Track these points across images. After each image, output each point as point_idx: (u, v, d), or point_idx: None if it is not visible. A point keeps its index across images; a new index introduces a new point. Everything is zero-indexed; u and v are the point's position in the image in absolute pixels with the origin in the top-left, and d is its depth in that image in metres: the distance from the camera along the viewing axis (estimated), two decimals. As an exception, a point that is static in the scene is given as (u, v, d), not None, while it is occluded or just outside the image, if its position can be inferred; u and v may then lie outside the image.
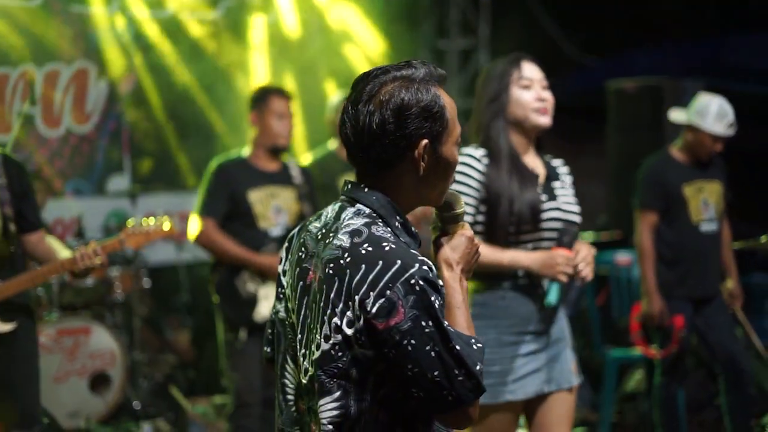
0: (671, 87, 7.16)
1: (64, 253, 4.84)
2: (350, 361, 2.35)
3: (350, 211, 2.45)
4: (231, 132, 8.18)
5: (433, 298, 2.30)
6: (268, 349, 2.69)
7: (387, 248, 2.33)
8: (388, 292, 2.28)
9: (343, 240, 2.38)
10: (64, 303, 6.75)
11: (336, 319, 2.34)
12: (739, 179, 6.68)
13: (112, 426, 6.60)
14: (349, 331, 2.33)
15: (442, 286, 2.39)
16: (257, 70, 8.33)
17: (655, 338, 5.82)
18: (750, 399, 5.76)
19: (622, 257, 6.61)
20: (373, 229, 2.38)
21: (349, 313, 2.33)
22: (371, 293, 2.29)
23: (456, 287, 2.50)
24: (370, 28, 8.65)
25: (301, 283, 2.48)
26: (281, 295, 2.60)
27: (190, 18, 8.31)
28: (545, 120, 4.09)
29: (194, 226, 5.67)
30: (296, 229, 2.63)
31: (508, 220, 3.96)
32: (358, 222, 2.41)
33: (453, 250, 2.54)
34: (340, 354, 2.35)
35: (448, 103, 2.47)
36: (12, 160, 4.81)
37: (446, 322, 2.33)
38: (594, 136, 8.16)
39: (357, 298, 2.31)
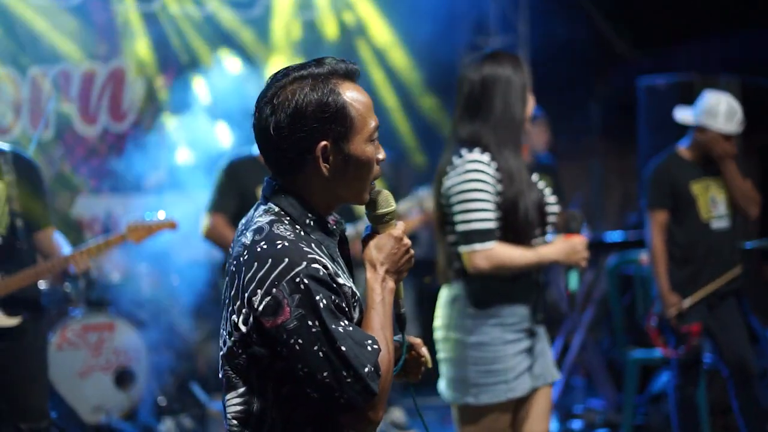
0: (704, 84, 7.00)
1: (66, 249, 4.92)
2: (249, 358, 2.35)
3: (261, 208, 2.45)
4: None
5: (318, 298, 2.27)
6: None
7: (279, 246, 2.31)
8: (274, 290, 2.27)
9: (248, 237, 2.38)
10: (92, 299, 6.84)
11: (235, 317, 2.34)
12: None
13: (133, 421, 6.67)
14: (244, 329, 2.33)
15: (341, 284, 2.36)
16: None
17: (669, 338, 5.71)
18: (758, 401, 5.64)
19: (647, 256, 6.48)
20: (275, 227, 2.37)
21: (244, 311, 2.32)
22: (258, 291, 2.28)
23: (375, 288, 2.46)
24: (405, 25, 8.61)
25: (226, 279, 2.49)
26: None
27: (227, 16, 8.35)
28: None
29: (204, 221, 5.72)
30: None
31: (528, 226, 3.98)
32: (264, 220, 2.40)
33: (378, 250, 2.50)
34: (240, 351, 2.36)
35: (355, 99, 2.41)
36: (23, 157, 4.88)
37: (339, 322, 2.29)
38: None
39: (246, 295, 2.30)
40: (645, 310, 6.44)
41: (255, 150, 5.78)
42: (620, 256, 6.84)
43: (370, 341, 2.33)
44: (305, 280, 2.27)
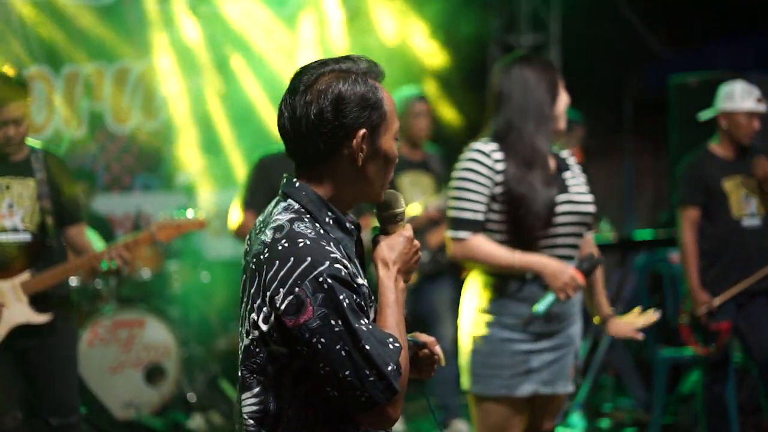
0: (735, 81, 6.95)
1: (98, 246, 4.96)
2: (267, 357, 2.36)
3: (280, 206, 2.45)
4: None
5: (341, 297, 2.28)
6: None
7: (301, 245, 2.32)
8: (297, 289, 2.28)
9: (268, 235, 2.39)
10: (122, 296, 6.89)
11: (254, 315, 2.35)
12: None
13: (163, 417, 6.71)
14: (264, 327, 2.33)
15: (360, 284, 2.37)
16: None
17: (699, 336, 5.67)
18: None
19: (677, 255, 6.46)
20: (296, 225, 2.37)
21: (265, 309, 2.33)
22: (281, 290, 2.29)
23: (390, 286, 2.47)
24: (437, 22, 8.60)
25: (243, 277, 2.49)
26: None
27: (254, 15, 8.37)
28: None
29: (235, 218, 5.76)
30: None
31: (536, 222, 3.96)
32: (284, 217, 2.40)
33: (390, 249, 2.51)
34: (257, 350, 2.37)
35: (387, 97, 2.47)
36: (52, 155, 4.93)
37: (361, 321, 2.30)
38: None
39: (268, 294, 2.31)
40: (675, 308, 6.41)
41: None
42: (650, 254, 6.81)
43: (391, 339, 2.35)
44: (328, 280, 2.28)
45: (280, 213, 2.42)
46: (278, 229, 2.38)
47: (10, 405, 4.79)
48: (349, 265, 2.36)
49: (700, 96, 7.00)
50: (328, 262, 2.30)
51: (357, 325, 2.29)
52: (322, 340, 2.27)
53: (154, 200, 7.94)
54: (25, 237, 4.73)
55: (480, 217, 3.98)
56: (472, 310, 4.05)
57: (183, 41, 8.12)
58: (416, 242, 2.56)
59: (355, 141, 2.40)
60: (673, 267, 6.52)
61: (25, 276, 4.69)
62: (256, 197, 5.69)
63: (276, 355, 2.35)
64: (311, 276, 2.28)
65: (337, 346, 2.27)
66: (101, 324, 6.64)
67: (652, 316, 4.17)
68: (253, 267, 2.38)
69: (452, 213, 4.01)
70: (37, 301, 4.73)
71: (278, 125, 2.48)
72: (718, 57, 9.16)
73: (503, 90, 4.07)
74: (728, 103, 5.62)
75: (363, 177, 2.46)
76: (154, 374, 6.76)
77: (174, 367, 6.79)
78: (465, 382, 4.09)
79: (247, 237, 2.58)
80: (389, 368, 2.30)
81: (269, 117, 8.19)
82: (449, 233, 4.01)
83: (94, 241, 5.00)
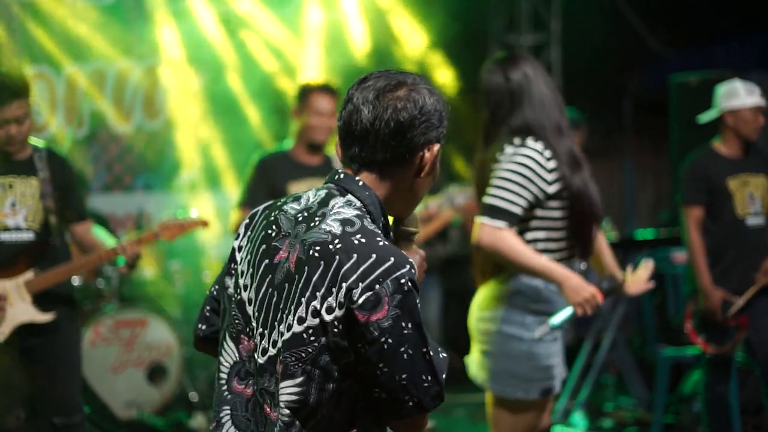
0: (735, 80, 6.97)
1: (109, 242, 4.96)
2: (321, 347, 2.32)
3: (340, 200, 2.42)
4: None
5: (417, 302, 2.31)
6: (203, 327, 2.62)
7: (381, 243, 2.33)
8: (377, 286, 2.27)
9: (333, 226, 2.35)
10: (125, 295, 6.90)
11: (315, 303, 2.31)
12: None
13: (165, 416, 6.72)
14: (327, 317, 2.30)
15: None
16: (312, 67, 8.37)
17: (711, 334, 5.65)
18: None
19: (679, 254, 6.47)
20: (365, 222, 2.37)
21: (330, 299, 2.30)
22: (360, 284, 2.28)
23: None
24: (437, 23, 8.61)
25: (266, 260, 2.43)
26: (233, 271, 2.53)
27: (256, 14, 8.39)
28: None
29: (234, 217, 5.77)
30: (260, 208, 2.57)
31: (597, 215, 4.03)
32: (350, 212, 2.39)
33: None
34: (312, 339, 2.32)
35: None
36: (55, 154, 4.94)
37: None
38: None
39: (345, 285, 2.29)
40: (677, 308, 6.41)
41: (287, 145, 5.82)
42: (651, 253, 6.82)
43: (440, 348, 2.39)
44: (409, 283, 2.29)
45: (342, 207, 2.40)
46: (347, 222, 2.36)
47: (13, 404, 4.80)
48: None
49: (700, 95, 7.03)
50: (408, 266, 2.31)
51: (425, 331, 2.32)
52: (390, 340, 2.27)
53: (155, 200, 7.94)
54: (29, 236, 4.74)
55: (519, 212, 3.87)
56: (526, 315, 3.97)
57: (185, 40, 8.12)
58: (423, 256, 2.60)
59: (429, 154, 2.43)
60: (674, 266, 6.52)
61: (29, 275, 4.70)
62: (256, 197, 5.68)
63: (331, 347, 2.32)
64: (393, 276, 2.28)
65: (402, 348, 2.28)
66: (103, 323, 6.64)
67: (649, 265, 4.17)
68: (316, 255, 2.33)
69: (493, 201, 3.88)
70: (41, 300, 4.74)
71: (347, 120, 2.43)
72: (718, 57, 9.18)
73: (521, 86, 4.00)
74: (733, 101, 5.61)
75: (415, 190, 2.49)
76: (156, 373, 6.77)
77: (176, 367, 6.80)
78: (510, 389, 3.97)
79: (262, 219, 2.50)
80: (444, 376, 2.35)
81: (271, 116, 8.22)
82: (484, 219, 3.87)
83: (105, 238, 4.99)
